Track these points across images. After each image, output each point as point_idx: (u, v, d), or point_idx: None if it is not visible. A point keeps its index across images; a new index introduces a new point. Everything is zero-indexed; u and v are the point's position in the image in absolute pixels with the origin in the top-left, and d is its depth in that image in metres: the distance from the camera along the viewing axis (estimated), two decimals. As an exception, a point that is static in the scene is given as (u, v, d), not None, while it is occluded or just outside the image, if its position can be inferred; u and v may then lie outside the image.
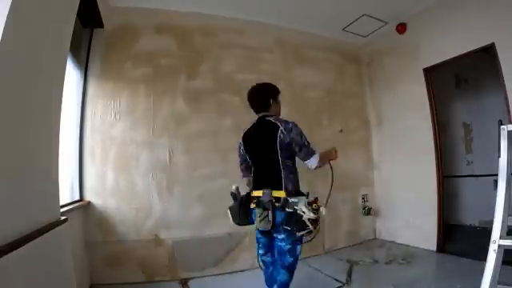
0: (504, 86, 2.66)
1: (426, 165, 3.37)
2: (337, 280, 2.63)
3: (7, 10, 1.09)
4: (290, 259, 1.79)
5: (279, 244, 1.78)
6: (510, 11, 2.59)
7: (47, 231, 1.44)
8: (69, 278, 1.75)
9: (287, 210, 1.69)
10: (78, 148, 2.74)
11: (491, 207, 1.43)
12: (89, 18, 2.64)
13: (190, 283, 2.73)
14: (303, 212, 1.63)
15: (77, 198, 2.65)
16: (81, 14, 2.38)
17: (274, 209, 1.72)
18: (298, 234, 1.69)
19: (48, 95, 1.60)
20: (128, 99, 2.92)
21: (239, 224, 1.95)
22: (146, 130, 2.93)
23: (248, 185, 2.06)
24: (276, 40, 3.59)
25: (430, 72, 3.41)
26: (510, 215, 1.43)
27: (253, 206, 1.83)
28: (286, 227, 1.69)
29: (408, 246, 3.35)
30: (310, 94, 3.74)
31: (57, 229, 1.57)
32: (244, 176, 2.14)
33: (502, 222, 1.36)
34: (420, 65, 3.45)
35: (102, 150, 2.81)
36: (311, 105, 3.73)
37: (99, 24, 2.79)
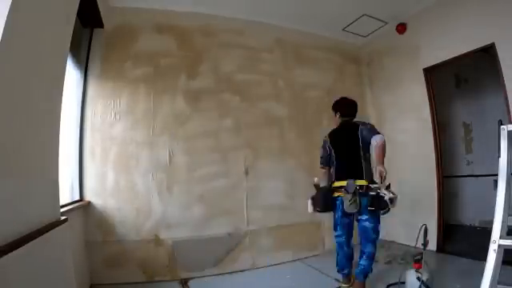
0: (504, 85, 2.66)
1: (426, 165, 3.37)
2: (337, 280, 2.63)
3: (7, 10, 1.09)
4: (373, 235, 2.24)
5: (363, 224, 2.24)
6: (511, 11, 2.59)
7: (47, 231, 1.44)
8: (69, 278, 1.75)
9: (370, 193, 2.14)
10: (78, 148, 2.74)
11: (491, 207, 1.43)
12: (89, 17, 2.64)
13: (190, 283, 2.73)
14: (384, 194, 2.06)
15: (77, 197, 2.65)
16: (81, 14, 2.38)
17: (359, 194, 2.17)
18: (382, 211, 2.15)
19: (48, 95, 1.60)
20: (128, 99, 2.92)
21: (323, 211, 2.38)
22: (146, 129, 2.93)
23: (325, 176, 2.51)
24: (276, 40, 3.59)
25: (429, 72, 3.41)
26: (510, 215, 1.43)
27: (338, 194, 2.29)
28: (371, 208, 2.14)
29: (408, 246, 3.34)
30: (310, 93, 3.74)
31: (57, 229, 1.57)
32: (323, 167, 2.55)
33: (502, 221, 1.36)
34: (420, 65, 3.45)
35: (102, 149, 2.81)
36: (311, 105, 3.73)
37: (99, 24, 2.79)
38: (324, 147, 2.53)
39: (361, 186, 2.18)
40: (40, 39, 1.42)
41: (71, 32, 1.81)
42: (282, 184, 3.40)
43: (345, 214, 2.28)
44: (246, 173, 3.22)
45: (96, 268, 2.64)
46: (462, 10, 3.01)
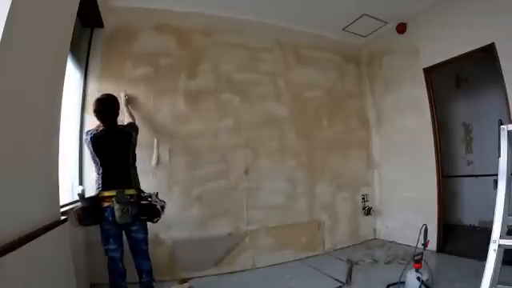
0: (504, 85, 2.66)
1: (426, 165, 3.37)
2: (337, 280, 2.63)
3: (7, 10, 1.09)
4: (145, 247, 2.18)
5: (134, 235, 2.12)
6: (510, 11, 2.59)
7: (47, 231, 1.44)
8: (69, 278, 1.76)
9: (142, 202, 2.10)
10: (78, 148, 2.74)
11: (491, 207, 1.43)
12: (89, 17, 2.64)
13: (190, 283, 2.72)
14: (156, 202, 2.13)
15: (77, 197, 2.65)
16: (81, 14, 2.37)
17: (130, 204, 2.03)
18: (155, 219, 2.14)
19: (48, 95, 1.60)
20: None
21: (91, 224, 2.08)
22: (146, 129, 2.92)
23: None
24: (276, 40, 3.59)
25: (429, 72, 3.41)
26: (510, 215, 1.43)
27: (107, 204, 2.03)
28: (143, 217, 2.10)
29: (408, 246, 3.34)
30: (310, 93, 3.74)
31: (57, 229, 1.57)
32: None
33: (502, 221, 1.36)
34: (420, 65, 3.45)
35: (102, 149, 2.80)
36: (311, 105, 3.73)
37: (99, 24, 2.79)
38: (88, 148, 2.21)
39: (131, 196, 2.06)
40: (40, 39, 1.42)
41: (71, 32, 1.81)
42: (282, 184, 3.40)
43: (116, 225, 2.05)
44: (246, 173, 3.22)
45: (96, 268, 2.63)
46: (462, 9, 3.01)
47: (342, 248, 3.63)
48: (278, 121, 3.47)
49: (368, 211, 3.92)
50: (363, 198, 3.97)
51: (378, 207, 4.00)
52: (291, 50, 3.68)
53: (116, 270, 2.10)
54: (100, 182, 2.08)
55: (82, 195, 2.07)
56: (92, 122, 2.79)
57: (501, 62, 2.67)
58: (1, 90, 1.10)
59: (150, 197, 2.12)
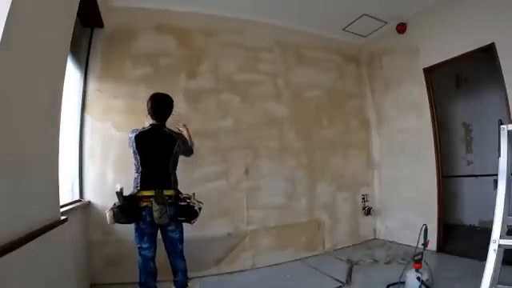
0: (504, 85, 2.66)
1: (426, 165, 3.37)
2: (337, 280, 2.63)
3: (7, 10, 1.09)
4: (180, 246, 2.22)
5: (170, 235, 2.16)
6: (510, 11, 2.59)
7: (47, 231, 1.44)
8: (69, 278, 1.75)
9: (180, 203, 2.11)
10: (78, 148, 2.74)
11: (491, 207, 1.43)
12: (89, 17, 2.64)
13: (190, 283, 2.72)
14: (194, 203, 2.14)
15: (77, 197, 2.65)
16: (81, 14, 2.37)
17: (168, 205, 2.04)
18: (192, 221, 2.17)
19: (48, 95, 1.59)
20: (128, 99, 2.91)
21: (127, 223, 2.06)
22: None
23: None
24: (276, 40, 3.59)
25: (429, 72, 3.41)
26: (510, 215, 1.43)
27: (145, 204, 2.03)
28: (181, 218, 2.13)
29: (408, 245, 3.34)
30: (310, 93, 3.74)
31: (57, 229, 1.57)
32: None
33: (502, 221, 1.36)
34: (420, 65, 3.45)
35: (102, 149, 2.81)
36: (311, 105, 3.73)
37: (99, 24, 2.80)
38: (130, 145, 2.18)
39: (169, 196, 2.06)
40: (40, 39, 1.42)
41: (71, 32, 1.81)
42: (282, 184, 3.40)
43: (153, 225, 2.05)
44: (246, 173, 3.22)
45: (96, 268, 2.64)
46: (462, 9, 3.01)
47: (341, 248, 3.63)
48: (278, 121, 3.47)
49: (368, 211, 3.93)
50: (363, 198, 3.97)
51: (377, 207, 4.00)
52: (291, 50, 3.68)
53: (147, 269, 2.09)
54: (139, 180, 2.07)
55: (121, 193, 2.00)
56: (92, 122, 2.81)
57: (501, 62, 2.67)
58: (1, 90, 1.10)
59: (189, 198, 2.12)
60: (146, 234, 2.05)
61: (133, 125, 2.98)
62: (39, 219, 1.43)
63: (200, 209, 2.15)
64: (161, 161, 2.13)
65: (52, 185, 1.67)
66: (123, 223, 2.02)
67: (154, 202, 1.98)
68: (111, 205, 2.01)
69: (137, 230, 2.06)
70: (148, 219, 2.00)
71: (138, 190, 2.04)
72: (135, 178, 2.10)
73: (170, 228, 2.11)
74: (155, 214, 1.97)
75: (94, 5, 2.52)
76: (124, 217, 1.98)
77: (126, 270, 2.68)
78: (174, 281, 2.20)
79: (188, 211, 2.11)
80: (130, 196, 2.03)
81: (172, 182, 2.14)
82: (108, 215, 1.99)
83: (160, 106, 2.24)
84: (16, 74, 1.21)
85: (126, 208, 1.98)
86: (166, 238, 2.14)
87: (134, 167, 2.14)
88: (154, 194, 2.00)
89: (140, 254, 2.08)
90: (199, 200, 2.17)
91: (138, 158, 2.09)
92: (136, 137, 2.11)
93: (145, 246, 2.06)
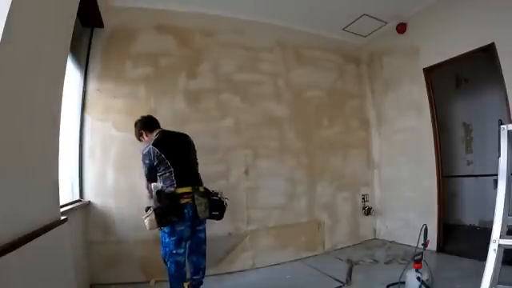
0: (504, 85, 2.66)
1: (426, 165, 3.37)
2: (337, 280, 2.63)
3: (7, 10, 1.09)
4: (204, 246, 2.24)
5: (199, 235, 2.20)
6: (510, 11, 2.59)
7: (47, 231, 1.44)
8: (69, 278, 1.75)
9: (212, 198, 2.17)
10: (78, 148, 2.74)
11: (491, 207, 1.43)
12: (89, 17, 2.64)
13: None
14: (224, 198, 2.23)
15: (77, 197, 2.65)
16: (81, 14, 2.37)
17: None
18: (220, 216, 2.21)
19: (48, 95, 1.59)
20: (128, 99, 2.91)
21: (165, 225, 2.06)
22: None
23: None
24: (276, 40, 3.59)
25: (429, 72, 3.41)
26: (510, 215, 1.43)
27: (186, 201, 2.06)
28: (215, 212, 2.17)
29: (408, 245, 3.34)
30: (310, 93, 3.74)
31: (57, 229, 1.57)
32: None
33: (502, 221, 1.36)
34: (420, 65, 3.45)
35: (102, 149, 2.81)
36: (311, 105, 3.73)
37: (99, 24, 2.79)
38: (150, 159, 2.14)
39: (206, 192, 2.15)
40: (40, 39, 1.42)
41: (71, 32, 1.81)
42: (282, 184, 3.40)
43: (190, 225, 2.07)
44: (246, 173, 3.22)
45: (96, 268, 2.64)
46: (461, 9, 3.01)
47: (342, 248, 3.63)
48: (278, 121, 3.47)
49: (368, 211, 3.93)
50: (363, 198, 3.97)
51: (377, 207, 4.00)
52: (291, 50, 3.68)
53: (181, 276, 2.08)
54: (173, 179, 2.06)
55: (163, 192, 1.99)
56: (92, 122, 2.81)
57: (501, 62, 2.67)
58: (1, 90, 1.10)
59: (218, 194, 2.19)
60: (184, 237, 2.04)
61: (133, 124, 3.00)
62: (39, 219, 1.43)
63: (227, 204, 2.21)
64: (188, 159, 2.22)
65: (52, 185, 1.67)
66: (166, 225, 1.99)
67: (196, 196, 2.03)
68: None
69: (173, 233, 2.01)
70: (190, 215, 2.01)
71: (176, 188, 2.04)
72: (168, 177, 2.07)
73: (200, 228, 2.16)
74: (199, 208, 2.01)
75: (93, 5, 2.52)
76: (168, 216, 1.94)
77: (126, 270, 2.69)
78: (193, 279, 2.20)
79: (221, 206, 2.17)
80: (171, 194, 2.01)
81: (201, 179, 2.22)
82: (148, 220, 1.94)
83: (149, 117, 2.35)
84: (16, 73, 1.21)
85: (169, 207, 1.95)
86: (194, 238, 2.15)
87: (158, 178, 2.13)
88: (192, 189, 2.05)
89: (173, 262, 2.03)
90: (226, 196, 2.25)
91: (167, 161, 2.08)
92: (155, 145, 2.10)
93: (180, 251, 2.03)
